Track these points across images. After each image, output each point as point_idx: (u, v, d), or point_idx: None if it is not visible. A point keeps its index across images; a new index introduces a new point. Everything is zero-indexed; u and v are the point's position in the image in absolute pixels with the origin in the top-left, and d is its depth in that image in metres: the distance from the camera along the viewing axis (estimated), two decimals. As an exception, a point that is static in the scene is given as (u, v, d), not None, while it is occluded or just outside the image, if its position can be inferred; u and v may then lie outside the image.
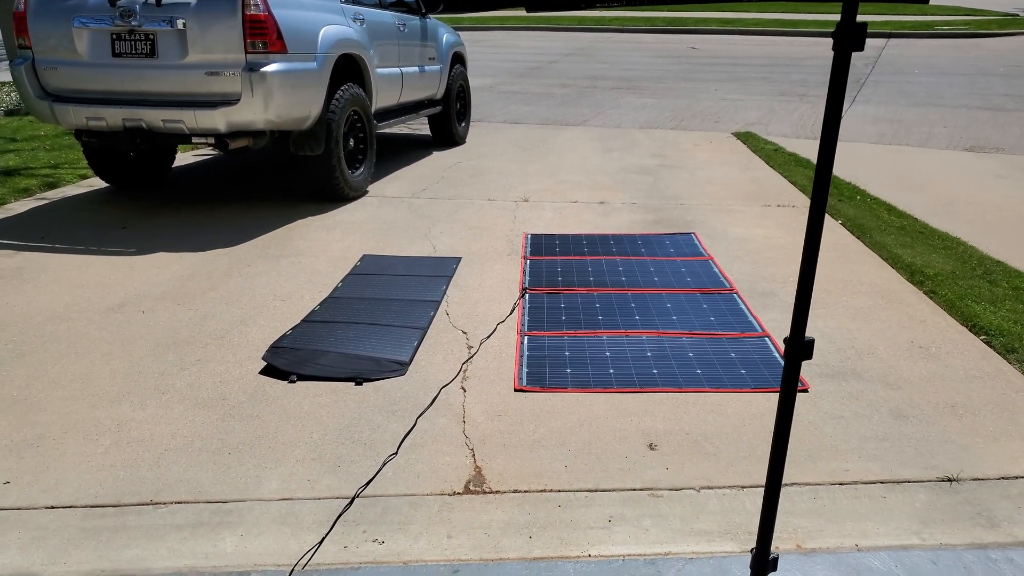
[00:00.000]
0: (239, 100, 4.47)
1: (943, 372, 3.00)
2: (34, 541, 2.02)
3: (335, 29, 5.11)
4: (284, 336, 3.18)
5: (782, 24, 21.89)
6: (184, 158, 6.91)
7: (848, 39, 1.16)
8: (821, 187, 1.18)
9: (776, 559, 1.55)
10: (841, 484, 2.29)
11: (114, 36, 4.55)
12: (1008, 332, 3.30)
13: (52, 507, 2.15)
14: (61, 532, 2.05)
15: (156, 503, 2.17)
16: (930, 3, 30.72)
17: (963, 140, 8.29)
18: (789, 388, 1.31)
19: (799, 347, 1.23)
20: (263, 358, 3.00)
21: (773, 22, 22.53)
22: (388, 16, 6.17)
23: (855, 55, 15.71)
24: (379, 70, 5.84)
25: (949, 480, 2.31)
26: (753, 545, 2.02)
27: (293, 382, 2.85)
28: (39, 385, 2.82)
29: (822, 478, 2.32)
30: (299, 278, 3.92)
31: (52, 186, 5.75)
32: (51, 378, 2.87)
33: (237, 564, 1.95)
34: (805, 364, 3.02)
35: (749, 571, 1.61)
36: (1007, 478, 2.33)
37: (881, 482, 2.30)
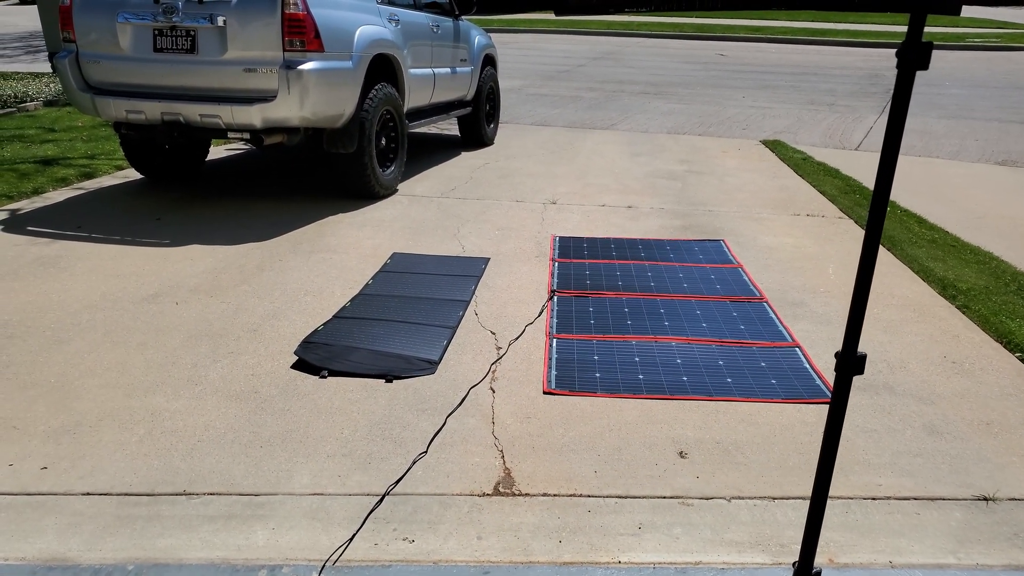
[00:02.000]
0: (276, 97, 4.51)
1: (977, 389, 2.96)
2: (70, 527, 2.05)
3: (371, 29, 5.14)
4: (316, 331, 3.21)
5: (811, 33, 21.70)
6: (216, 152, 7.00)
7: (914, 58, 1.15)
8: (879, 205, 1.17)
9: (819, 573, 1.53)
10: (874, 499, 2.27)
11: (156, 32, 4.62)
12: (1045, 350, 3.24)
13: (88, 494, 2.19)
14: (97, 519, 2.09)
15: (189, 493, 2.20)
16: (961, 15, 30.30)
17: (995, 153, 8.16)
18: (839, 403, 1.30)
19: (851, 362, 1.22)
20: (295, 352, 3.03)
21: (802, 31, 22.34)
22: (422, 17, 6.20)
23: (884, 65, 15.54)
24: (412, 70, 5.87)
25: (985, 499, 2.28)
26: (784, 558, 2.01)
27: (324, 377, 2.87)
28: (76, 372, 2.87)
29: (855, 492, 2.30)
30: (330, 274, 3.95)
31: (89, 176, 5.85)
32: (87, 366, 2.92)
33: (268, 558, 1.97)
34: (837, 376, 2.99)
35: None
36: (1045, 499, 2.29)
37: (915, 498, 2.27)
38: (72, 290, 3.65)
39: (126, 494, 2.19)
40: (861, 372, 1.25)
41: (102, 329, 3.24)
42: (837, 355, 1.24)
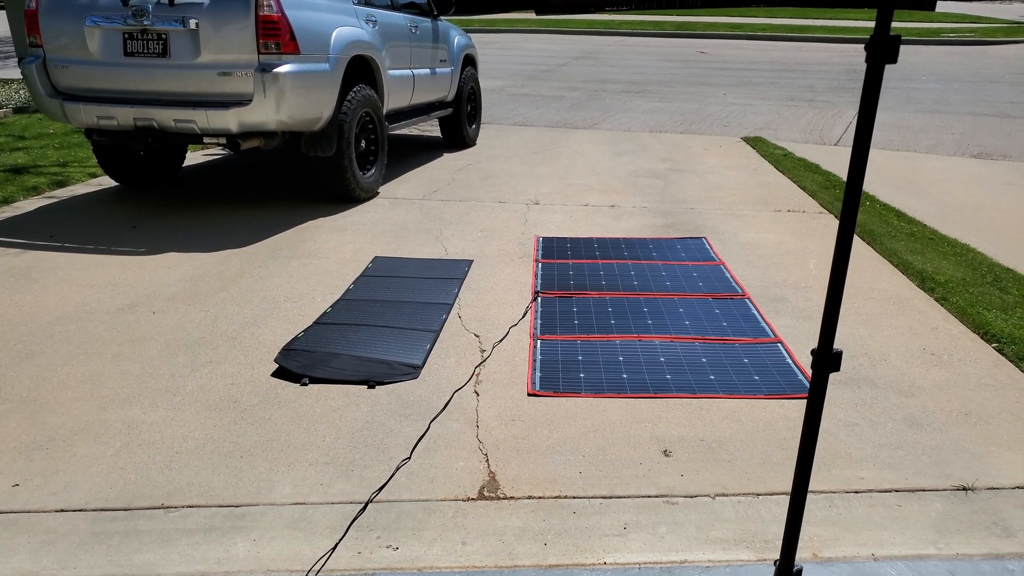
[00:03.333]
0: (251, 101, 4.46)
1: (956, 380, 2.98)
2: (44, 545, 2.01)
3: (348, 31, 5.10)
4: (296, 338, 3.17)
5: (789, 29, 21.86)
6: (193, 157, 6.92)
7: (882, 51, 1.15)
8: (852, 200, 1.17)
9: (800, 571, 1.53)
10: (856, 492, 2.27)
11: (126, 35, 4.55)
12: (1020, 340, 3.28)
13: (62, 510, 2.14)
14: (71, 536, 2.04)
15: (167, 507, 2.16)
16: (936, 9, 30.66)
17: (970, 147, 8.26)
18: (816, 400, 1.30)
19: (827, 359, 1.22)
20: (275, 360, 3.00)
21: (780, 27, 22.50)
22: (400, 18, 6.17)
23: (861, 60, 15.69)
24: (391, 72, 5.84)
25: (964, 489, 2.29)
26: (769, 554, 2.01)
27: (305, 385, 2.84)
28: (48, 386, 2.81)
29: (837, 486, 2.30)
30: (310, 279, 3.91)
31: (61, 184, 5.76)
32: (60, 379, 2.87)
33: (250, 570, 1.94)
34: (819, 371, 3.00)
35: (770, 582, 1.59)
36: (1022, 487, 2.30)
37: (896, 491, 2.28)
38: (44, 301, 3.59)
39: (102, 509, 2.14)
40: (837, 369, 1.24)
41: (76, 341, 3.18)
42: (813, 352, 1.23)
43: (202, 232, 4.67)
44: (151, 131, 4.63)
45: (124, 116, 4.61)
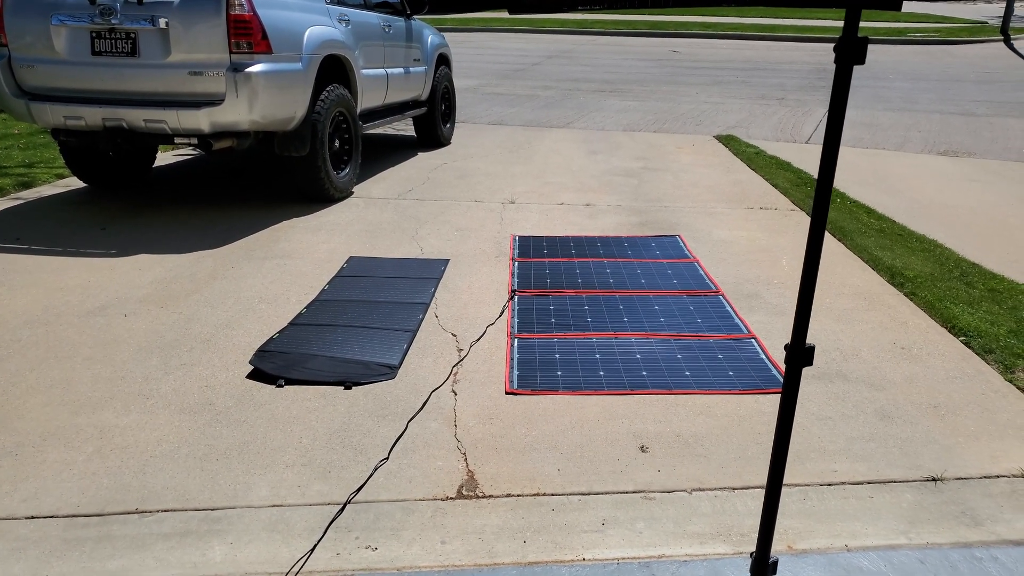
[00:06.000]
0: (223, 100, 4.41)
1: (925, 373, 3.04)
2: (14, 552, 1.97)
3: (320, 30, 5.07)
4: (271, 340, 3.15)
5: (760, 29, 22.12)
6: (164, 158, 6.82)
7: (850, 53, 1.17)
8: (823, 196, 1.19)
9: (776, 563, 1.55)
10: (830, 485, 2.31)
11: (93, 34, 4.47)
12: (986, 333, 3.35)
13: (33, 517, 2.10)
14: (42, 543, 2.01)
15: (142, 511, 2.13)
16: (902, 9, 31.23)
17: (937, 144, 8.43)
18: (790, 395, 1.32)
19: (800, 354, 1.24)
20: (250, 362, 2.97)
21: (751, 27, 22.76)
22: (373, 17, 6.14)
23: (831, 60, 15.92)
24: (364, 71, 5.80)
25: (934, 480, 2.34)
26: (746, 547, 2.04)
27: (281, 386, 2.82)
28: (17, 391, 2.76)
29: (811, 479, 2.34)
30: (285, 280, 3.88)
31: (27, 186, 5.64)
32: (29, 383, 2.81)
33: (227, 573, 1.92)
34: (792, 366, 3.04)
35: (748, 575, 1.61)
36: (988, 477, 2.36)
37: (868, 482, 2.33)
38: (11, 305, 3.51)
39: (74, 516, 2.11)
40: (810, 363, 1.27)
41: (45, 345, 3.12)
42: (787, 347, 1.26)
43: (174, 233, 4.61)
44: (120, 131, 4.56)
45: (92, 116, 4.53)
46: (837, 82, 1.19)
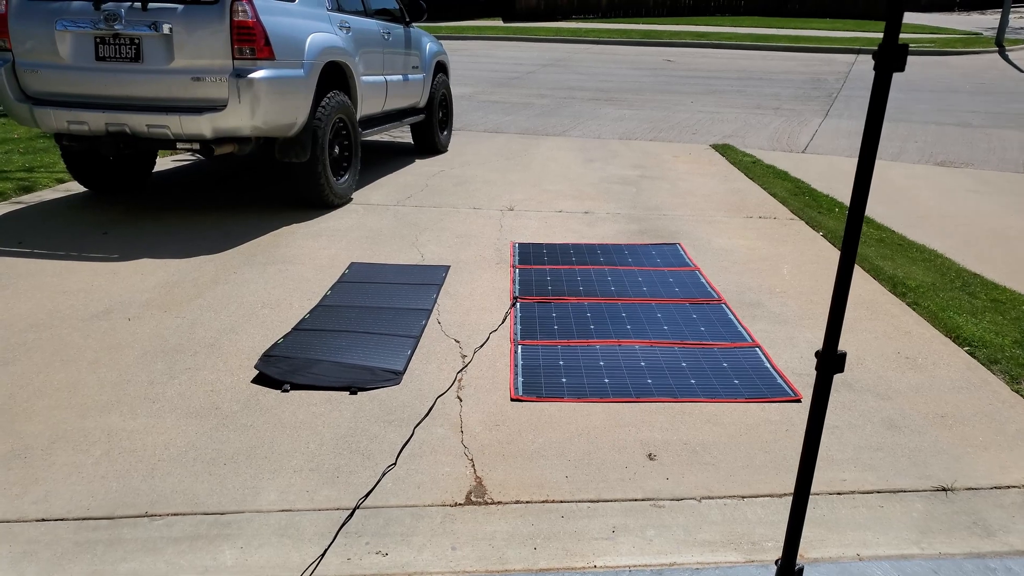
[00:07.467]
0: (226, 106, 4.41)
1: (931, 383, 3.06)
2: (25, 556, 1.96)
3: (322, 37, 5.08)
4: (276, 345, 3.14)
5: (754, 39, 22.27)
6: (163, 163, 6.81)
7: (890, 60, 1.18)
8: (857, 207, 1.20)
9: (801, 570, 1.55)
10: (839, 494, 2.32)
11: (98, 40, 4.47)
12: (991, 343, 3.37)
13: (43, 520, 2.09)
14: (53, 546, 2.00)
15: (152, 515, 2.12)
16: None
17: (933, 155, 8.49)
18: (820, 401, 1.32)
19: (832, 360, 1.25)
20: (255, 367, 2.96)
21: (746, 36, 22.90)
22: (373, 24, 6.15)
23: (825, 70, 16.04)
24: (364, 78, 5.82)
25: (944, 490, 2.35)
26: (757, 555, 2.04)
27: (286, 391, 2.81)
28: (24, 394, 2.74)
29: (820, 488, 2.34)
30: (287, 286, 3.87)
31: (28, 190, 5.62)
32: (36, 387, 2.80)
33: (238, 578, 1.91)
34: (798, 375, 3.06)
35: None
36: (999, 487, 2.37)
37: (878, 492, 2.33)
38: (15, 309, 3.50)
39: (84, 518, 2.10)
40: (841, 370, 1.27)
41: (50, 348, 3.10)
42: (817, 354, 1.26)
43: (175, 238, 4.60)
44: (123, 136, 4.55)
45: (95, 121, 4.52)
46: (876, 90, 1.20)
